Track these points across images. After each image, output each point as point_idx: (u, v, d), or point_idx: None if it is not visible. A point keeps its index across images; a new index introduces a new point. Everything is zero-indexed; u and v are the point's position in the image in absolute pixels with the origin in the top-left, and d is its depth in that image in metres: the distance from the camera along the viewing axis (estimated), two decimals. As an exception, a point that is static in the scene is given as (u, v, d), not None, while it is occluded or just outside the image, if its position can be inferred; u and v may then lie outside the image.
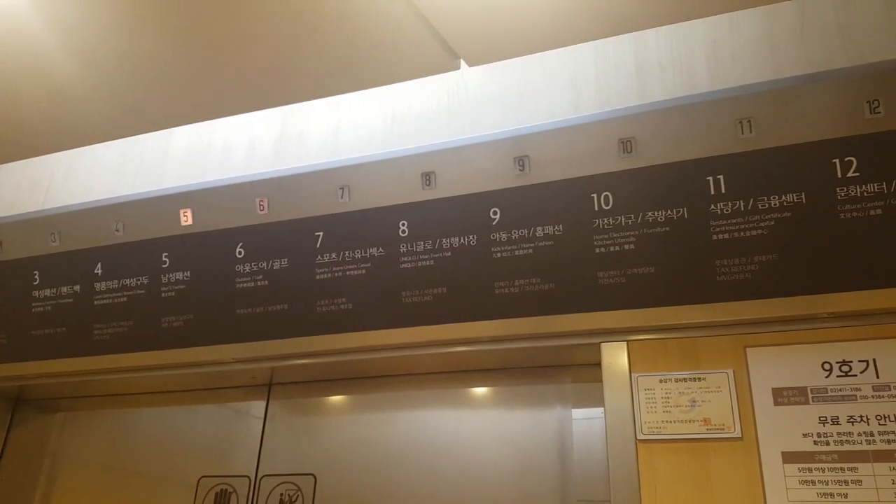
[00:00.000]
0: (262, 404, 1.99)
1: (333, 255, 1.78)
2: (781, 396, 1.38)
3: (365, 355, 1.73)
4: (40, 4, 1.48)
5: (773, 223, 1.45)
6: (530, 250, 1.61)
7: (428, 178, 1.75)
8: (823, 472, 1.30)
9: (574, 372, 1.73)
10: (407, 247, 1.72)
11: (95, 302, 2.01)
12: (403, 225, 1.74)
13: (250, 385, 2.01)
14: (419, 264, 1.70)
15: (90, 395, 2.21)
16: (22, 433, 2.23)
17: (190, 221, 1.96)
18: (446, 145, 1.78)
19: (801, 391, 1.37)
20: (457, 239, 1.69)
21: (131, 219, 2.04)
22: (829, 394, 1.35)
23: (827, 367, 1.37)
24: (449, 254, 1.68)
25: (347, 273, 1.76)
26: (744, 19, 1.70)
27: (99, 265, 2.04)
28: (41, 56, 1.62)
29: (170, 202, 2.00)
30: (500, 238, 1.65)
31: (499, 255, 1.64)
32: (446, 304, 1.65)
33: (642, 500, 1.37)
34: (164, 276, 1.94)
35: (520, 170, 1.67)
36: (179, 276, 1.93)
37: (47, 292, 2.09)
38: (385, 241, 1.75)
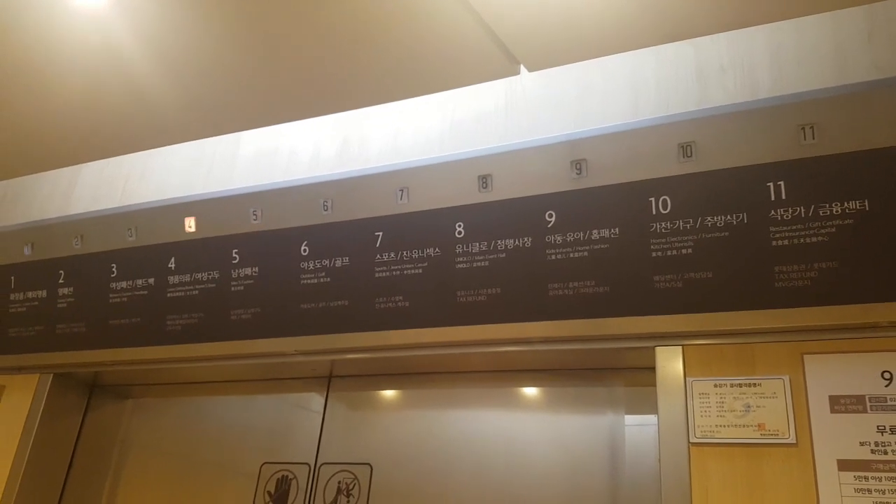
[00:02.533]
0: (322, 395, 2.06)
1: (392, 255, 1.84)
2: (838, 404, 1.36)
3: (420, 352, 1.78)
4: (124, 12, 1.59)
5: (834, 230, 1.43)
6: (585, 253, 1.63)
7: (485, 181, 1.79)
8: (881, 480, 1.29)
9: (626, 375, 1.74)
10: (463, 248, 1.76)
11: (168, 294, 2.10)
12: (460, 226, 1.78)
13: (311, 377, 2.08)
14: (474, 265, 1.73)
15: (160, 383, 2.33)
16: (96, 418, 2.36)
17: (260, 220, 2.03)
18: (503, 148, 1.81)
19: (859, 399, 1.35)
20: (512, 241, 1.71)
21: (203, 216, 2.13)
22: (889, 403, 1.33)
23: (887, 376, 1.35)
24: (504, 255, 1.71)
25: (405, 272, 1.81)
26: (809, 24, 1.68)
27: (172, 260, 2.14)
28: (124, 61, 1.73)
29: (239, 202, 2.08)
30: (555, 240, 1.67)
31: (553, 257, 1.66)
32: (500, 305, 1.68)
33: (693, 504, 1.38)
34: (234, 271, 2.03)
35: (577, 173, 1.69)
36: (248, 271, 2.01)
37: (124, 284, 2.20)
38: (442, 242, 1.79)
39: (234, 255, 2.04)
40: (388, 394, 2.03)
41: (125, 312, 2.15)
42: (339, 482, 1.93)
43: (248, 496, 2.01)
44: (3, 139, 2.08)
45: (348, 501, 1.89)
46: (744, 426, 1.41)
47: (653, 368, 1.53)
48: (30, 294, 2.36)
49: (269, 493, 1.99)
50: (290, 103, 1.84)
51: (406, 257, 1.82)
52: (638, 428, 1.69)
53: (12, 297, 2.38)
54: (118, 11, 1.58)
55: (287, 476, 1.99)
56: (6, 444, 2.19)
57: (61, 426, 2.28)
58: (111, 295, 2.20)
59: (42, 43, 1.67)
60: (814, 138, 1.49)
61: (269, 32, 1.61)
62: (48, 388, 2.23)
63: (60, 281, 2.31)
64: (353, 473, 1.92)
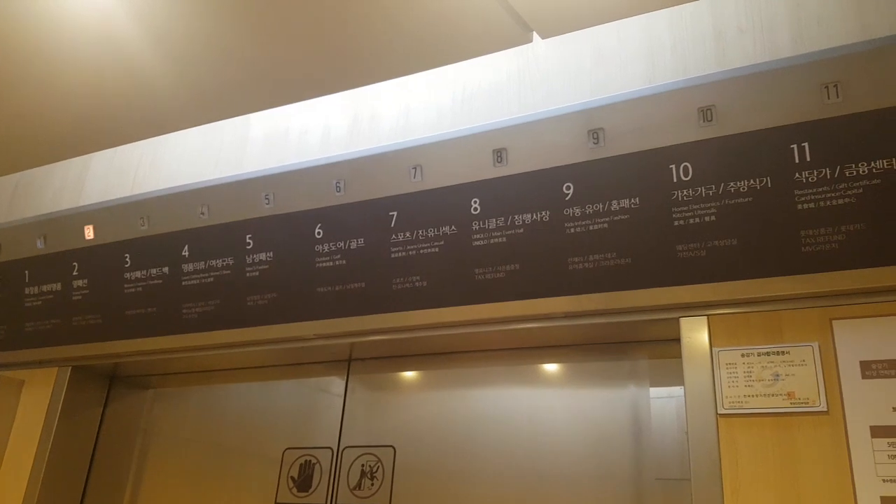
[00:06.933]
0: (343, 379, 2.05)
1: (407, 234, 1.81)
2: (870, 369, 1.33)
3: (439, 331, 1.76)
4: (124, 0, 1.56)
5: (861, 191, 1.39)
6: (605, 225, 1.60)
7: (499, 155, 1.75)
8: (917, 446, 1.26)
9: (651, 348, 1.72)
10: (479, 224, 1.74)
11: (183, 282, 2.09)
12: (475, 202, 1.75)
13: (331, 361, 2.07)
14: (491, 241, 1.71)
15: (179, 372, 2.32)
16: (117, 409, 2.37)
17: (273, 204, 2.00)
18: (517, 121, 1.77)
19: (892, 364, 1.32)
20: (529, 215, 1.68)
21: (215, 203, 2.11)
22: (924, 366, 1.30)
23: (921, 339, 1.32)
24: (521, 230, 1.68)
25: (421, 251, 1.78)
26: (828, -21, 1.63)
27: (186, 247, 2.12)
28: (126, 49, 1.70)
29: (251, 186, 2.06)
30: (573, 213, 1.64)
31: (573, 230, 1.63)
32: (519, 281, 1.65)
33: (723, 476, 1.36)
34: (249, 256, 2.01)
35: (594, 143, 1.66)
36: (263, 256, 2.00)
37: (138, 274, 2.19)
38: (457, 219, 1.76)
39: (248, 240, 2.03)
40: (409, 375, 2.02)
41: (141, 302, 2.15)
42: (363, 465, 1.92)
43: (271, 482, 2.02)
44: (10, 132, 2.07)
45: (372, 484, 1.88)
46: (773, 395, 1.38)
47: (677, 340, 1.50)
48: (44, 287, 2.35)
49: (292, 478, 1.99)
50: (297, 83, 1.81)
51: (422, 236, 1.79)
52: (663, 401, 1.67)
53: (27, 291, 2.38)
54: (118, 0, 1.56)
55: (310, 461, 1.99)
56: (28, 438, 2.21)
57: (82, 419, 2.29)
58: (126, 285, 2.19)
59: (43, 34, 1.65)
60: (838, 97, 1.45)
61: (272, 12, 1.57)
62: (67, 381, 2.24)
63: (74, 273, 2.30)
64: (376, 456, 1.92)
